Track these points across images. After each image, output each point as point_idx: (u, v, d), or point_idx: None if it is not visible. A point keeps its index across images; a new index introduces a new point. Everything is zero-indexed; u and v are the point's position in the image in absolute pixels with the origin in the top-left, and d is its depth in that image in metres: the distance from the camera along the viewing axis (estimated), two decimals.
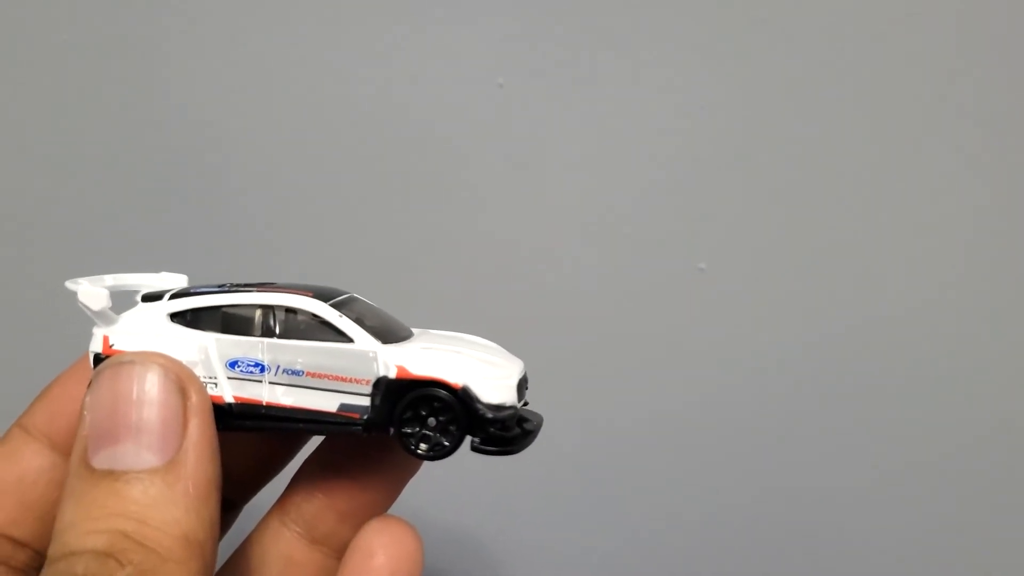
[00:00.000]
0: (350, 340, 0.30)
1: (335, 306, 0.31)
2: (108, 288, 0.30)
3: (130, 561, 0.23)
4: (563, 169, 0.55)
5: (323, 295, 0.32)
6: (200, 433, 0.25)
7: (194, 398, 0.26)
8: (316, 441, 0.36)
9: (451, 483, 0.53)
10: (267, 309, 0.30)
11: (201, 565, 0.24)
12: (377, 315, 0.33)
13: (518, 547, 0.59)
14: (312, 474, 0.34)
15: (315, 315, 0.30)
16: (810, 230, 0.56)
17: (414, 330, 0.34)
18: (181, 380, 0.26)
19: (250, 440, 0.35)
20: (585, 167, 0.55)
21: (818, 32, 0.54)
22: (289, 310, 0.30)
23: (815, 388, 0.57)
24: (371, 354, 0.30)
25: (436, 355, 0.30)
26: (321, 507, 0.33)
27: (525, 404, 0.33)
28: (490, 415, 0.30)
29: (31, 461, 0.31)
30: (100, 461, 0.25)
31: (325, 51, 0.54)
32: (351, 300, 0.33)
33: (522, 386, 0.32)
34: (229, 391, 0.29)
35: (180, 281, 0.35)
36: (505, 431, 0.30)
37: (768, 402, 0.57)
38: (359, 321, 0.31)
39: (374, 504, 0.34)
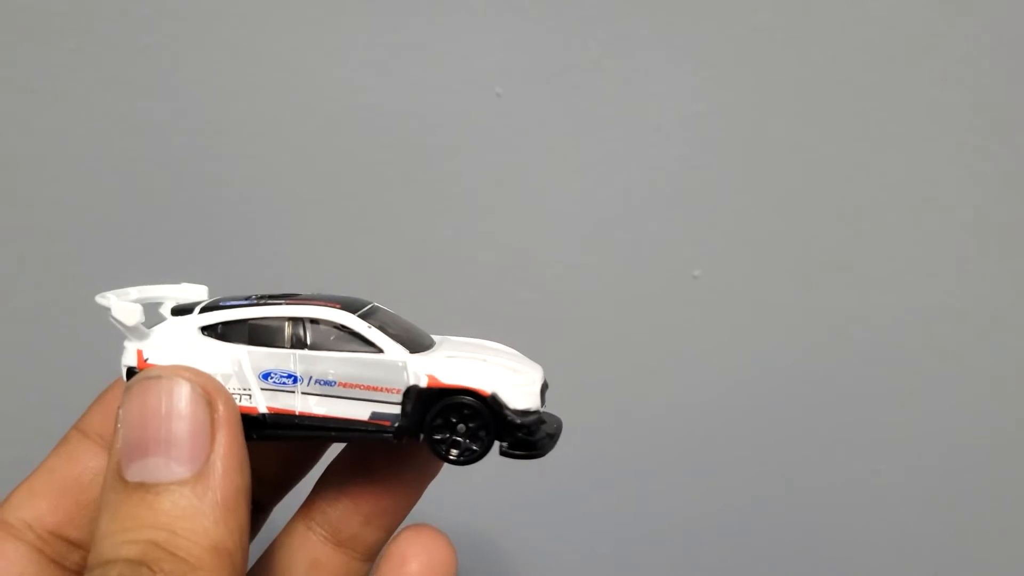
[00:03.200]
0: (380, 350, 0.31)
1: (362, 317, 0.32)
2: (134, 301, 0.31)
3: (161, 570, 0.24)
4: (560, 177, 0.55)
5: (349, 306, 0.32)
6: (228, 444, 0.26)
7: (221, 410, 0.26)
8: (339, 445, 0.37)
9: (461, 485, 0.54)
10: (297, 321, 0.31)
11: (230, 573, 0.25)
12: (400, 324, 0.34)
13: (524, 547, 0.60)
14: (336, 478, 0.35)
15: (344, 326, 0.31)
16: (804, 238, 0.56)
17: (435, 337, 0.35)
18: (208, 393, 0.27)
19: (277, 444, 0.36)
20: (581, 176, 0.56)
21: (814, 41, 0.54)
22: (318, 322, 0.31)
23: (810, 393, 0.58)
24: (400, 364, 0.31)
25: (464, 364, 0.31)
26: (346, 510, 0.34)
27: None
28: (518, 421, 0.30)
29: (88, 462, 0.32)
30: (132, 474, 0.26)
31: (325, 61, 0.54)
32: (375, 310, 0.33)
33: (543, 391, 0.33)
34: (263, 402, 0.30)
35: (201, 291, 0.36)
36: (531, 435, 0.31)
37: (764, 406, 0.58)
38: (384, 330, 0.32)
39: (398, 506, 0.35)
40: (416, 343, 0.32)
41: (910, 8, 0.53)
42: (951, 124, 0.54)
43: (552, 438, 0.32)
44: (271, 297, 0.33)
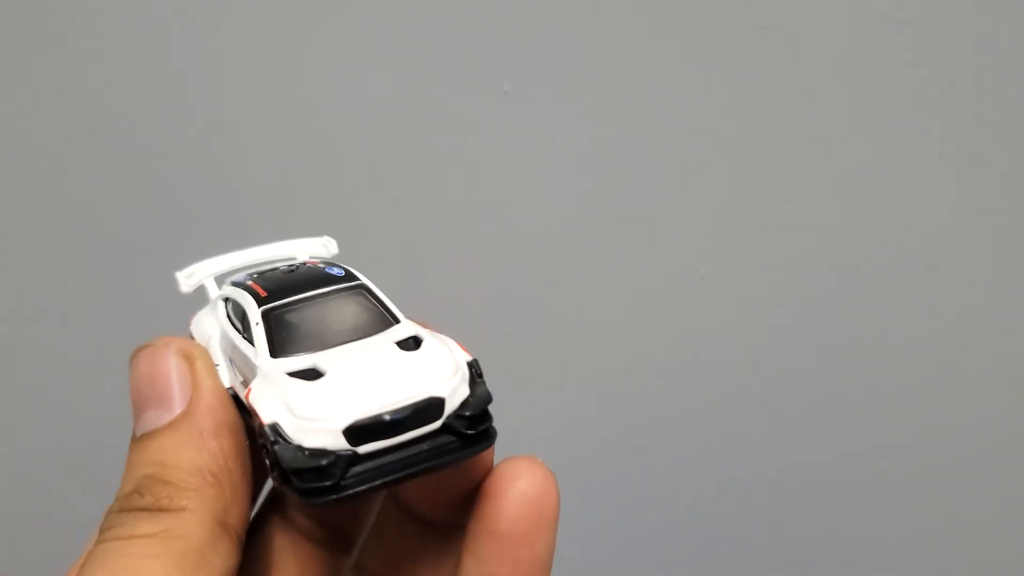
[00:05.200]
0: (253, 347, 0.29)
1: (283, 306, 0.30)
2: (234, 266, 0.35)
3: (151, 493, 0.27)
4: (566, 175, 0.57)
5: (281, 290, 0.31)
6: (208, 388, 0.29)
7: (199, 362, 0.30)
8: None
9: None
10: (229, 301, 0.32)
11: (217, 492, 0.28)
12: (337, 314, 0.31)
13: None
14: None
15: (245, 315, 0.30)
16: (812, 235, 0.57)
17: (402, 325, 0.31)
18: (186, 350, 0.31)
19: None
20: (588, 173, 0.57)
21: (820, 38, 0.55)
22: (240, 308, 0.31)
23: (817, 391, 0.58)
24: (255, 367, 0.29)
25: (271, 384, 0.28)
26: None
27: (482, 417, 0.29)
28: (287, 463, 0.26)
29: None
30: (137, 431, 0.30)
31: (331, 58, 0.55)
32: (330, 294, 0.31)
33: (379, 426, 0.27)
34: (228, 378, 0.31)
35: (331, 245, 0.37)
36: (305, 480, 0.26)
37: (770, 404, 0.58)
38: (278, 326, 0.30)
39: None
40: (324, 338, 0.30)
41: (918, 8, 0.54)
42: (958, 124, 0.55)
43: (334, 490, 0.26)
44: (263, 271, 0.33)
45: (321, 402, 0.27)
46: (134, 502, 0.27)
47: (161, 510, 0.27)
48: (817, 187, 0.56)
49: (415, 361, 0.29)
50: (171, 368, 0.30)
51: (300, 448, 0.26)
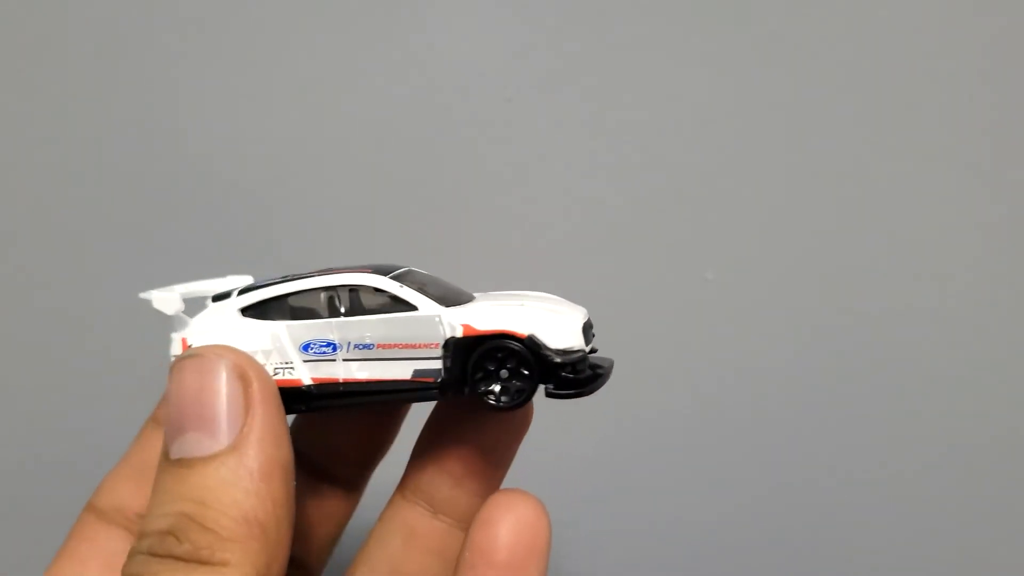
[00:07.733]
0: (414, 308, 0.31)
1: (395, 278, 0.32)
2: (179, 295, 0.33)
3: (188, 540, 0.25)
4: (571, 181, 0.56)
5: (381, 270, 0.33)
6: (262, 418, 0.27)
7: (255, 385, 0.27)
8: (422, 415, 0.37)
9: None
10: (331, 290, 0.32)
11: (262, 544, 0.25)
12: (437, 283, 0.34)
13: None
14: (424, 446, 0.36)
15: (377, 289, 0.31)
16: (818, 240, 0.57)
17: (476, 295, 0.35)
18: (242, 369, 0.27)
19: (354, 422, 0.37)
20: (593, 178, 0.56)
21: (828, 46, 0.54)
22: (352, 288, 0.32)
23: (822, 394, 0.58)
24: (436, 318, 0.31)
25: (499, 310, 0.31)
26: (434, 474, 0.35)
27: (593, 351, 0.34)
28: (558, 359, 0.30)
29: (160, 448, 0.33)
30: (174, 452, 0.27)
31: (338, 66, 0.54)
32: (409, 272, 0.34)
33: (587, 330, 0.33)
34: (307, 374, 0.31)
35: (246, 281, 0.37)
36: (577, 374, 0.31)
37: (775, 407, 0.58)
38: (421, 289, 0.32)
39: (487, 469, 0.35)
40: (453, 299, 0.32)
41: (924, 13, 0.54)
42: (965, 129, 0.55)
43: (599, 376, 0.31)
44: (306, 274, 0.33)
45: (557, 313, 0.32)
46: (169, 547, 0.25)
47: (201, 563, 0.25)
48: (823, 192, 0.56)
49: (546, 294, 0.36)
50: (222, 388, 0.27)
51: (560, 350, 0.31)
